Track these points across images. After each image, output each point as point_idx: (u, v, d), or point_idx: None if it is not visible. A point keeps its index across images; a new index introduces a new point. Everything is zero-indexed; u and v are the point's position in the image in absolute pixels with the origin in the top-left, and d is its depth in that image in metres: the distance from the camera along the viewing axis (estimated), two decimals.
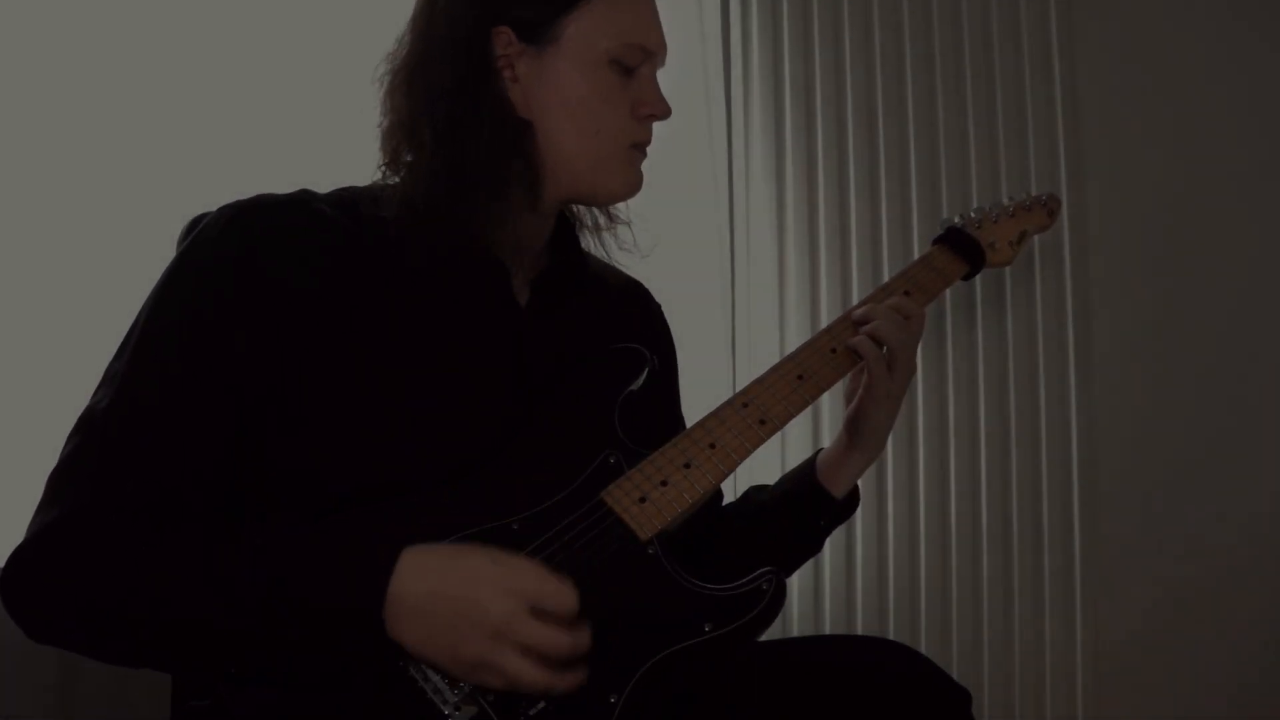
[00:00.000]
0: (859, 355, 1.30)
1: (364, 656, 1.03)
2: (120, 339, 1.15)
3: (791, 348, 1.35)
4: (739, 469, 1.25)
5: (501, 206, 1.19)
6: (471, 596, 1.02)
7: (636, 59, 1.21)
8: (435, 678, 1.05)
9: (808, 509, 1.34)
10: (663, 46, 1.25)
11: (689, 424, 1.26)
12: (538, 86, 1.19)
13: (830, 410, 1.96)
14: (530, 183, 1.20)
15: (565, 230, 1.31)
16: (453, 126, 1.16)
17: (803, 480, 1.35)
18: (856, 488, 1.37)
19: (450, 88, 1.17)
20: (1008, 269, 1.89)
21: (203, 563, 1.04)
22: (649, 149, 1.26)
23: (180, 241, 1.24)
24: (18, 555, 1.07)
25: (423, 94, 1.18)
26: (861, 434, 1.32)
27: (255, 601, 1.01)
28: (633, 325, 1.36)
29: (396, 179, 1.21)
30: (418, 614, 1.01)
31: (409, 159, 1.20)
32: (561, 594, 1.05)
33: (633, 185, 1.26)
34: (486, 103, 1.17)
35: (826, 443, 1.44)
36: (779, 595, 1.15)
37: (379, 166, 1.23)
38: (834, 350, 1.30)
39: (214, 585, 1.02)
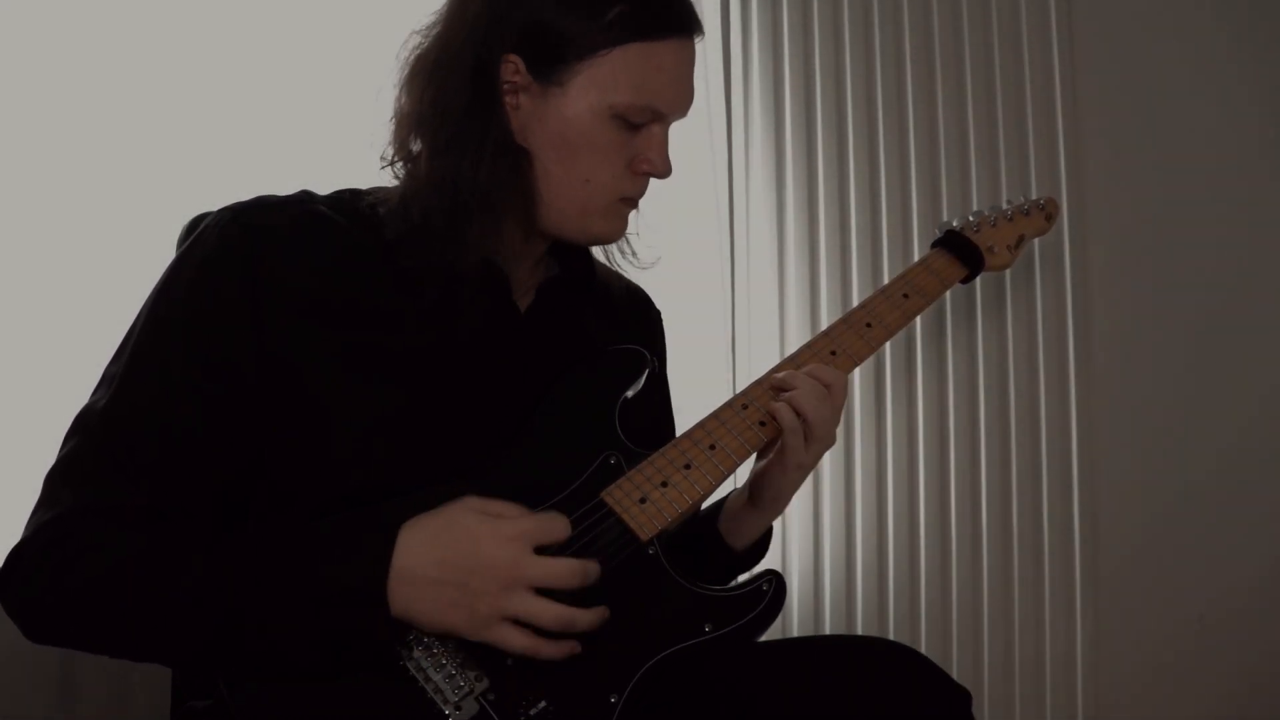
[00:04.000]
0: (776, 423, 1.22)
1: (369, 638, 1.03)
2: (119, 339, 1.15)
3: (792, 348, 1.35)
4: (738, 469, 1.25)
5: (496, 229, 1.18)
6: (475, 552, 1.03)
7: (643, 119, 1.17)
8: (436, 677, 1.05)
9: (712, 557, 1.30)
10: (682, 105, 1.20)
11: (688, 425, 1.26)
12: (534, 123, 1.16)
13: None
14: (524, 210, 1.18)
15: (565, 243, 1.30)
16: (456, 145, 1.15)
17: (707, 528, 1.31)
18: (769, 532, 1.33)
19: (459, 103, 1.15)
20: (1007, 270, 1.89)
21: (202, 556, 1.04)
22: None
23: (180, 242, 1.24)
24: (15, 554, 1.07)
25: (433, 100, 1.17)
26: (764, 498, 1.26)
27: (256, 591, 1.02)
28: (633, 330, 1.36)
29: (402, 168, 1.21)
30: (428, 583, 1.02)
31: (415, 150, 1.19)
32: (554, 523, 1.07)
33: (616, 234, 1.24)
34: (489, 127, 1.15)
35: None
36: (779, 596, 1.15)
37: (386, 153, 1.21)
38: (762, 424, 1.23)
39: (213, 577, 1.02)
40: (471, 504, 1.07)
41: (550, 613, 1.04)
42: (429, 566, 1.03)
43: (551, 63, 1.15)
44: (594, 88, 1.15)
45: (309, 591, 1.02)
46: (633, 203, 1.23)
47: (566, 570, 1.05)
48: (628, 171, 1.19)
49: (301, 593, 1.02)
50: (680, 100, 1.20)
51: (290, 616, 1.01)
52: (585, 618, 1.06)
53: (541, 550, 1.06)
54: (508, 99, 1.16)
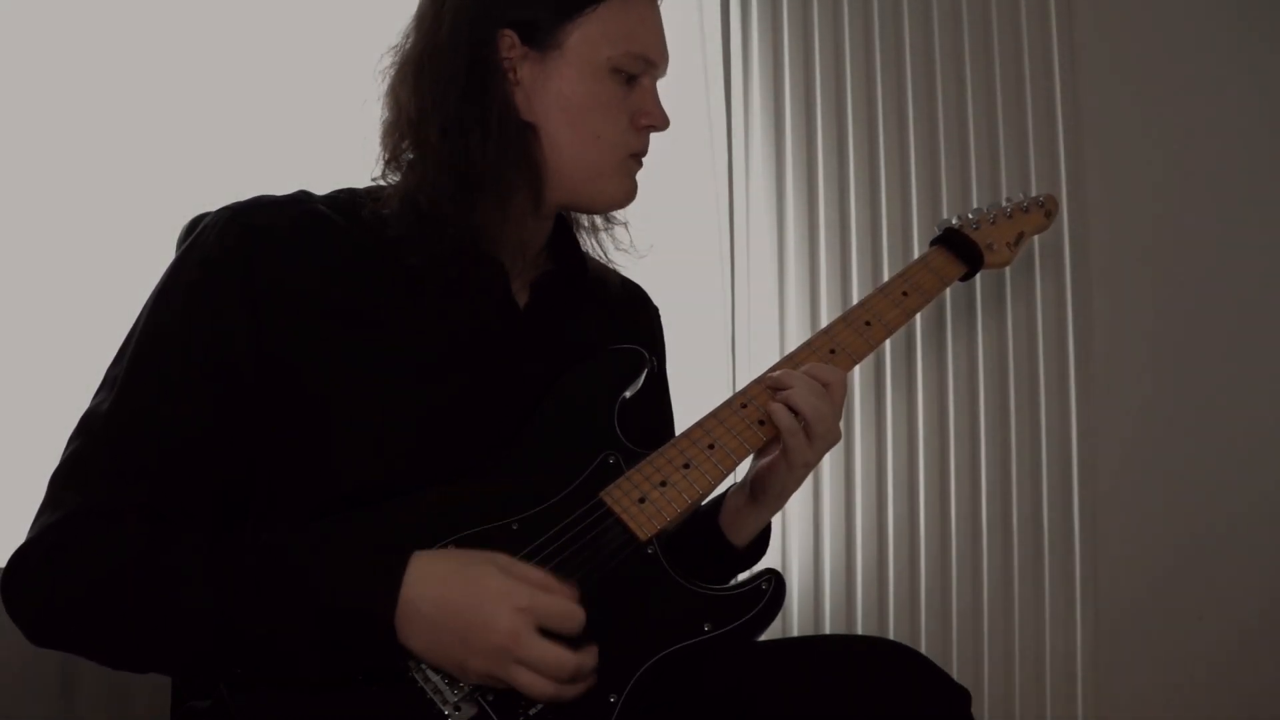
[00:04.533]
0: (774, 425, 1.22)
1: (370, 658, 1.03)
2: (121, 340, 1.15)
3: (792, 347, 1.35)
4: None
5: (504, 209, 1.19)
6: (479, 611, 1.02)
7: (638, 68, 1.21)
8: (435, 678, 1.05)
9: (713, 554, 1.30)
10: (665, 58, 1.25)
11: (687, 424, 1.26)
12: (539, 91, 1.18)
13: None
14: (533, 186, 1.20)
15: (564, 232, 1.31)
16: (459, 128, 1.16)
17: (707, 524, 1.31)
18: (768, 528, 1.33)
19: (456, 88, 1.16)
20: (1007, 269, 1.89)
21: (206, 561, 1.04)
22: (646, 158, 1.26)
23: (180, 243, 1.24)
24: (19, 557, 1.07)
25: (428, 92, 1.18)
26: (767, 495, 1.27)
27: (259, 601, 1.02)
28: (630, 327, 1.37)
29: (396, 176, 1.21)
30: (426, 622, 1.02)
31: (411, 156, 1.20)
32: (568, 613, 1.05)
33: (629, 194, 1.26)
34: (492, 105, 1.17)
35: None
36: (778, 595, 1.15)
37: (379, 161, 1.22)
38: (761, 423, 1.24)
39: (217, 584, 1.02)
40: (497, 559, 1.06)
41: (538, 687, 1.03)
42: (430, 603, 1.02)
43: (544, 30, 1.17)
44: (587, 44, 1.18)
45: (314, 607, 1.01)
46: (639, 161, 1.26)
47: (560, 664, 1.03)
48: (631, 127, 1.22)
49: (307, 608, 1.01)
50: (664, 51, 1.24)
51: (294, 629, 1.01)
52: (571, 692, 1.05)
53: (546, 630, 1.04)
54: (508, 75, 1.18)
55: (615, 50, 1.19)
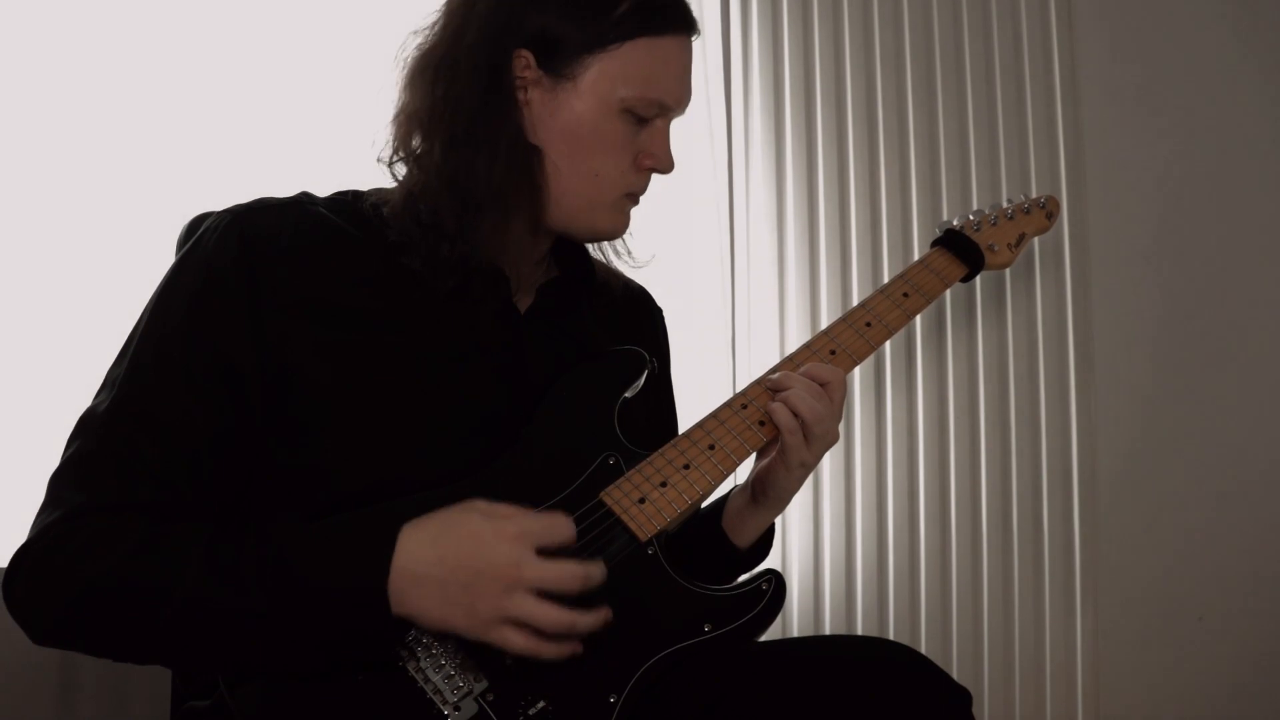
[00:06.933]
0: (774, 424, 1.23)
1: (369, 637, 1.03)
2: (121, 341, 1.15)
3: (792, 347, 1.35)
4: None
5: (504, 227, 1.18)
6: (478, 552, 1.03)
7: (651, 112, 1.19)
8: (435, 677, 1.05)
9: (716, 555, 1.31)
10: (685, 100, 1.23)
11: (688, 425, 1.26)
12: (546, 117, 1.17)
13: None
14: (533, 208, 1.19)
15: (568, 239, 1.31)
16: (467, 144, 1.15)
17: (710, 526, 1.32)
18: (771, 529, 1.34)
19: (470, 103, 1.15)
20: (1007, 270, 1.89)
21: (206, 554, 1.04)
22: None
23: (180, 243, 1.24)
24: (19, 556, 1.07)
25: (443, 97, 1.17)
26: (768, 496, 1.27)
27: (259, 586, 1.02)
28: (631, 329, 1.36)
29: (400, 165, 1.21)
30: (429, 582, 1.02)
31: (418, 151, 1.19)
32: (557, 525, 1.07)
33: (619, 229, 1.25)
34: (503, 127, 1.16)
35: None
36: (779, 595, 1.15)
37: (387, 144, 1.21)
38: (761, 424, 1.24)
39: (218, 574, 1.02)
40: (476, 505, 1.07)
41: (550, 616, 1.04)
42: (430, 565, 1.03)
43: (563, 57, 1.16)
44: (604, 81, 1.16)
45: (309, 591, 1.02)
46: (636, 199, 1.25)
47: (567, 574, 1.05)
48: (633, 167, 1.21)
49: (302, 592, 1.02)
50: (684, 95, 1.22)
51: (291, 616, 1.02)
52: (586, 620, 1.06)
53: (545, 552, 1.06)
54: (519, 94, 1.17)
55: (630, 92, 1.17)
